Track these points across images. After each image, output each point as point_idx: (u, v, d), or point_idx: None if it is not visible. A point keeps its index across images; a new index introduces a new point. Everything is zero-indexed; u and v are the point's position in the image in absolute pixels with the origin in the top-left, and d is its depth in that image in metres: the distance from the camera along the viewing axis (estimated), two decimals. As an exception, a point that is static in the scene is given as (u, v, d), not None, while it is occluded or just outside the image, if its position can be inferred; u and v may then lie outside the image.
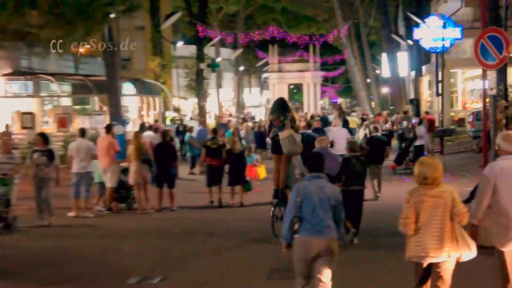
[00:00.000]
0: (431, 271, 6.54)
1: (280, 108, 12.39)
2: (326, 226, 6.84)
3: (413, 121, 25.93)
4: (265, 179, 20.22)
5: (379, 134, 18.77)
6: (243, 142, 22.91)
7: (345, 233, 7.28)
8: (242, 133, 24.17)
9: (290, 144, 11.98)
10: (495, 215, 6.73)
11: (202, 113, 40.90)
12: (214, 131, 18.34)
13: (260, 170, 19.43)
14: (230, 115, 43.81)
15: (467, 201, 12.93)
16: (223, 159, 16.78)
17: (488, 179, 6.66)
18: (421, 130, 22.70)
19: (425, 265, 6.51)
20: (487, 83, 12.45)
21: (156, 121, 32.16)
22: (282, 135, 11.95)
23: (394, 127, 30.15)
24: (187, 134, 24.44)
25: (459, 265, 6.58)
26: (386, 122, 28.80)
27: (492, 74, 12.37)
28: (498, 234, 6.69)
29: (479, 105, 35.33)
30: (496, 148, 6.98)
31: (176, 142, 25.36)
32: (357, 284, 9.06)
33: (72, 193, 15.00)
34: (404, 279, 7.67)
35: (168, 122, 35.13)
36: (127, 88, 34.38)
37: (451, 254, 6.41)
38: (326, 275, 6.87)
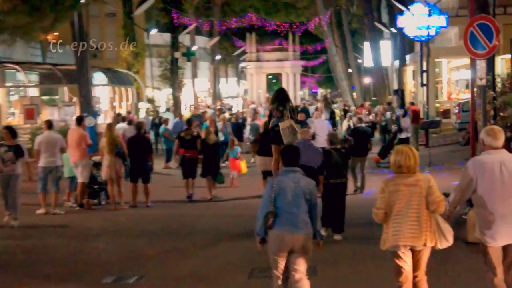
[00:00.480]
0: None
1: (280, 98, 12.76)
2: (301, 221, 6.98)
3: (397, 112, 26.04)
4: (246, 174, 20.19)
5: (363, 125, 18.79)
6: (220, 134, 22.79)
7: (321, 230, 7.43)
8: (220, 125, 24.03)
9: (291, 134, 12.35)
10: (478, 210, 6.92)
11: (176, 104, 40.73)
12: (189, 122, 18.44)
13: (242, 164, 19.40)
14: (208, 107, 43.62)
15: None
16: (197, 150, 16.93)
17: (468, 173, 6.83)
18: (406, 122, 22.85)
19: (403, 252, 6.72)
20: (476, 72, 12.45)
21: (129, 112, 31.98)
22: (283, 125, 12.37)
23: (377, 118, 30.27)
24: (162, 126, 24.32)
25: (445, 261, 6.61)
26: (369, 113, 28.88)
27: (481, 64, 12.39)
28: (482, 229, 6.86)
29: (464, 96, 35.61)
30: (480, 143, 7.13)
31: (151, 134, 25.29)
32: (343, 281, 9.04)
33: (40, 188, 14.86)
34: (387, 275, 7.73)
35: (142, 113, 34.95)
36: (98, 78, 34.14)
37: (428, 243, 6.68)
38: (301, 267, 7.07)
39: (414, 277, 6.87)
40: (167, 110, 35.53)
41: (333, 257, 10.17)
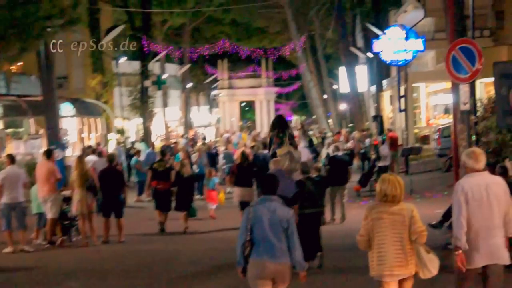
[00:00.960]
0: None
1: (279, 125, 13.68)
2: (279, 250, 7.21)
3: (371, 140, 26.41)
4: (224, 206, 20.13)
5: (340, 153, 19.01)
6: (194, 166, 22.70)
7: (302, 260, 7.49)
8: (195, 156, 23.84)
9: (287, 160, 12.95)
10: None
11: (147, 135, 40.54)
12: (162, 152, 18.67)
13: (221, 195, 19.37)
14: (182, 136, 43.44)
15: (440, 224, 13.08)
16: (170, 182, 17.05)
17: (459, 197, 7.26)
18: (385, 150, 22.90)
19: (389, 282, 6.98)
20: (460, 97, 12.57)
21: (98, 144, 31.76)
22: (281, 151, 13.08)
23: (354, 145, 30.38)
24: (134, 158, 24.16)
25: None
26: (347, 140, 29.00)
27: (464, 88, 12.51)
28: (468, 252, 7.23)
29: (443, 121, 35.95)
30: (462, 166, 7.56)
31: (123, 166, 25.10)
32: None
33: (4, 225, 14.68)
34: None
35: (112, 144, 34.70)
36: (66, 108, 33.91)
37: (413, 272, 6.98)
38: None
39: None
40: (142, 140, 35.28)
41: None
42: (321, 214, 12.27)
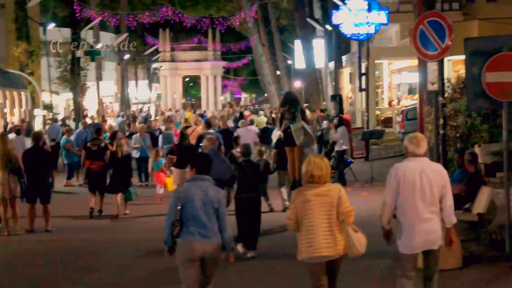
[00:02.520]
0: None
1: (290, 100, 14.95)
2: (210, 230, 7.80)
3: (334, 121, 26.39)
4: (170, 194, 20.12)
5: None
6: (134, 151, 22.55)
7: (232, 241, 8.18)
8: (135, 137, 23.48)
9: (302, 135, 14.54)
10: (399, 217, 8.06)
11: (79, 111, 40.17)
12: (97, 131, 18.88)
13: (169, 180, 19.37)
14: (122, 116, 42.65)
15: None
16: (105, 163, 17.47)
17: (391, 181, 8.00)
18: (338, 133, 22.44)
19: (318, 263, 7.66)
20: (428, 76, 12.71)
21: (22, 121, 31.32)
22: (295, 126, 14.53)
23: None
24: (64, 137, 23.86)
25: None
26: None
27: (432, 66, 12.65)
28: (401, 237, 8.02)
29: (408, 102, 36.35)
30: (405, 150, 8.23)
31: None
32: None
33: None
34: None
35: (39, 121, 34.24)
36: (-15, 80, 33.34)
37: (341, 253, 7.68)
38: (210, 280, 7.95)
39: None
40: (64, 119, 34.84)
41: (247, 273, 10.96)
42: (258, 200, 12.67)
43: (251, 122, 26.51)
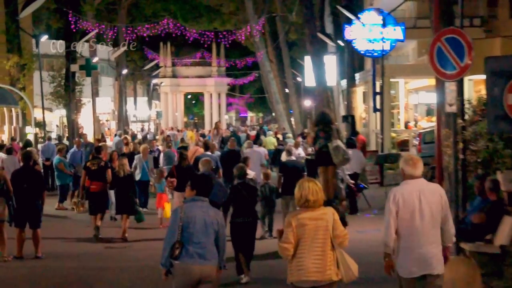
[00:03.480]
0: None
1: (324, 120, 16.04)
2: (209, 252, 8.28)
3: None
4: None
5: (293, 158, 19.69)
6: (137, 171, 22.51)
7: (224, 259, 8.64)
8: (138, 158, 23.16)
9: (340, 153, 15.72)
10: (398, 240, 8.42)
11: (73, 129, 40.24)
12: (98, 149, 19.37)
13: (168, 206, 19.50)
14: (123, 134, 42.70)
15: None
16: (105, 183, 17.98)
17: (391, 206, 8.34)
18: (355, 155, 22.62)
19: None
20: (445, 97, 12.73)
21: (13, 139, 31.37)
22: (332, 145, 15.60)
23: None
24: (56, 156, 23.92)
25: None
26: (313, 143, 29.12)
27: (451, 87, 12.67)
28: (400, 260, 8.40)
29: (425, 124, 36.36)
30: (401, 172, 8.63)
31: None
32: None
33: None
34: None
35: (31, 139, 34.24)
36: (-27, 95, 33.48)
37: (333, 277, 8.03)
38: None
39: None
40: (59, 137, 34.92)
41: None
42: (254, 223, 13.15)
43: (259, 143, 26.64)
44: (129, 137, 32.32)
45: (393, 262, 8.41)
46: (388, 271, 8.44)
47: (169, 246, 8.21)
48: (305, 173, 20.00)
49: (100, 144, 22.06)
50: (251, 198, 13.16)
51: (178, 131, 49.49)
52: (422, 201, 8.32)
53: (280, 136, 41.72)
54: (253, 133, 45.09)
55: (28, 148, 20.96)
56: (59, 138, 35.19)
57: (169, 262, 8.21)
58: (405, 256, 8.36)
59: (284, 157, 22.86)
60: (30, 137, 35.26)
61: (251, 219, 13.01)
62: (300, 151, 27.78)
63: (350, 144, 23.27)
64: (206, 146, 21.31)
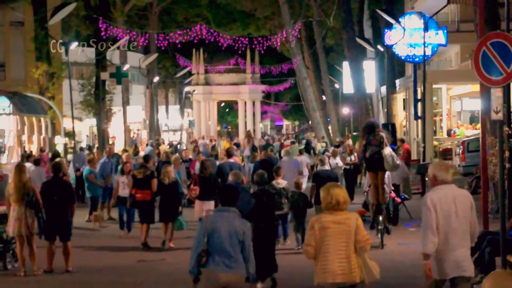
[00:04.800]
0: None
1: (374, 128, 17.72)
2: (234, 261, 8.74)
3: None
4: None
5: (326, 168, 20.16)
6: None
7: (254, 273, 9.05)
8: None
9: (393, 160, 17.46)
10: None
11: (103, 139, 40.51)
12: (146, 158, 20.39)
13: None
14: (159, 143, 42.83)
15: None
16: (151, 192, 18.81)
17: (430, 210, 8.89)
18: None
19: None
20: (491, 104, 12.64)
21: (42, 150, 31.68)
22: (385, 152, 17.33)
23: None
24: (86, 167, 24.09)
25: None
26: (350, 152, 29.10)
27: (497, 93, 12.58)
28: (433, 262, 8.93)
29: (469, 132, 36.11)
30: (432, 178, 9.22)
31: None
32: None
33: None
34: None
35: (60, 149, 34.54)
36: (1, 104, 33.84)
37: (356, 280, 8.60)
38: None
39: None
40: (90, 147, 35.13)
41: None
42: (273, 230, 13.91)
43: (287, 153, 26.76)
44: (164, 148, 32.62)
45: (431, 265, 8.91)
46: (429, 274, 8.91)
47: (196, 254, 8.74)
48: (339, 183, 20.47)
49: (147, 153, 22.76)
50: (270, 204, 13.93)
51: (210, 140, 49.49)
52: (457, 206, 8.94)
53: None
54: (287, 142, 44.92)
55: (57, 159, 21.17)
56: (89, 148, 35.43)
57: (196, 269, 8.72)
58: (440, 258, 8.91)
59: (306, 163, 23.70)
60: (59, 148, 35.59)
61: (271, 224, 13.64)
62: (338, 161, 27.80)
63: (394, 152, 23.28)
64: (229, 154, 22.12)
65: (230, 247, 8.72)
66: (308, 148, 36.23)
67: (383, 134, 17.90)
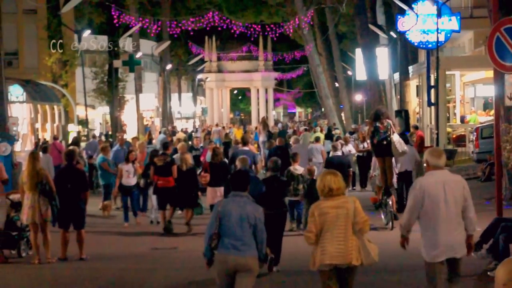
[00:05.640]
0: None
1: (382, 116, 18.47)
2: (244, 244, 9.00)
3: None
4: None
5: (338, 154, 20.85)
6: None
7: (265, 254, 9.57)
8: (177, 158, 23.35)
9: (401, 146, 18.24)
10: (422, 228, 9.29)
11: (116, 126, 40.57)
12: (165, 145, 20.67)
13: None
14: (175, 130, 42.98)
15: (477, 246, 13.14)
16: (171, 178, 19.21)
17: (417, 194, 9.18)
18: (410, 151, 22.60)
19: (329, 272, 8.94)
20: (505, 90, 12.60)
21: (55, 137, 31.72)
22: (394, 138, 18.14)
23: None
24: (100, 155, 24.11)
25: None
26: (363, 140, 29.01)
27: (510, 79, 12.54)
28: (426, 246, 9.22)
29: (483, 119, 35.99)
30: (425, 165, 9.52)
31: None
32: None
33: None
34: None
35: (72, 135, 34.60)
36: (15, 92, 33.91)
37: (354, 261, 8.91)
38: (246, 287, 9.05)
39: None
40: (108, 135, 35.18)
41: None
42: (283, 216, 14.11)
43: (296, 140, 26.85)
44: (180, 135, 32.66)
45: (407, 239, 9.41)
46: (403, 244, 9.47)
47: (208, 237, 9.06)
48: (351, 169, 20.76)
49: (166, 141, 23.08)
50: (281, 191, 14.18)
51: (223, 128, 49.49)
52: (447, 191, 9.10)
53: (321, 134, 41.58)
54: (301, 129, 44.95)
55: (70, 147, 21.22)
56: (106, 135, 35.46)
57: (209, 252, 9.07)
58: (431, 242, 9.16)
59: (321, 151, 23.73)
60: (72, 135, 35.67)
61: (281, 211, 13.90)
62: (351, 148, 27.78)
63: (403, 140, 23.13)
64: (244, 141, 22.18)
65: (241, 231, 8.98)
66: (331, 136, 36.20)
67: (390, 121, 18.65)
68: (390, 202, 18.58)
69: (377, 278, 12.65)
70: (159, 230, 19.27)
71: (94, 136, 31.19)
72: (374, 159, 21.87)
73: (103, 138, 31.30)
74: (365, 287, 11.85)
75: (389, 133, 18.33)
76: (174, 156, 22.80)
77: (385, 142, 18.24)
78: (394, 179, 20.26)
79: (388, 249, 12.67)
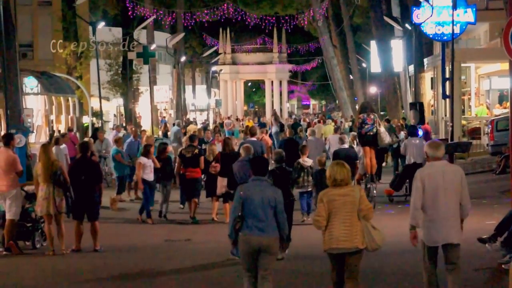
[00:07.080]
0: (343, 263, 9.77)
1: (368, 109, 20.45)
2: (266, 225, 9.73)
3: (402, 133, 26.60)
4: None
5: (345, 146, 21.01)
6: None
7: (287, 233, 10.33)
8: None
9: (387, 136, 20.30)
10: (424, 214, 9.89)
11: (131, 118, 40.61)
12: (191, 138, 20.77)
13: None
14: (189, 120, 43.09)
15: (491, 239, 13.09)
16: (199, 169, 19.69)
17: (418, 184, 9.88)
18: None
19: (335, 255, 9.69)
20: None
21: (70, 129, 31.80)
22: (381, 130, 20.03)
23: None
24: (113, 147, 24.16)
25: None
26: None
27: (526, 71, 12.47)
28: (425, 232, 9.91)
29: (498, 111, 35.83)
30: (425, 157, 10.37)
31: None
32: None
33: None
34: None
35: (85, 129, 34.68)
36: (30, 84, 34.00)
37: (359, 246, 9.64)
38: (268, 265, 9.78)
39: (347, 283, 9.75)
40: (123, 126, 35.19)
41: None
42: (290, 206, 14.18)
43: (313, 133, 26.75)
44: (193, 127, 32.76)
45: (417, 234, 9.95)
46: (414, 243, 10.01)
47: (232, 219, 9.77)
48: (358, 161, 20.84)
49: (192, 134, 23.52)
50: (286, 181, 14.62)
51: (237, 119, 49.45)
52: (446, 181, 9.83)
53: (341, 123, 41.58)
54: (315, 121, 44.96)
55: (85, 139, 21.28)
56: (125, 127, 35.43)
57: (234, 234, 9.78)
58: (430, 228, 9.87)
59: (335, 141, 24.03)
60: (92, 128, 35.75)
61: (288, 199, 13.85)
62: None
63: (411, 133, 23.05)
64: (252, 133, 22.27)
65: (263, 213, 9.70)
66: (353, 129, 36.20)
67: (376, 114, 20.55)
68: (375, 191, 20.34)
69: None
70: (172, 222, 19.31)
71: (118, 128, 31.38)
72: (359, 148, 22.87)
73: (122, 130, 31.14)
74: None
75: (375, 125, 20.04)
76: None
77: (371, 133, 20.00)
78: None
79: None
